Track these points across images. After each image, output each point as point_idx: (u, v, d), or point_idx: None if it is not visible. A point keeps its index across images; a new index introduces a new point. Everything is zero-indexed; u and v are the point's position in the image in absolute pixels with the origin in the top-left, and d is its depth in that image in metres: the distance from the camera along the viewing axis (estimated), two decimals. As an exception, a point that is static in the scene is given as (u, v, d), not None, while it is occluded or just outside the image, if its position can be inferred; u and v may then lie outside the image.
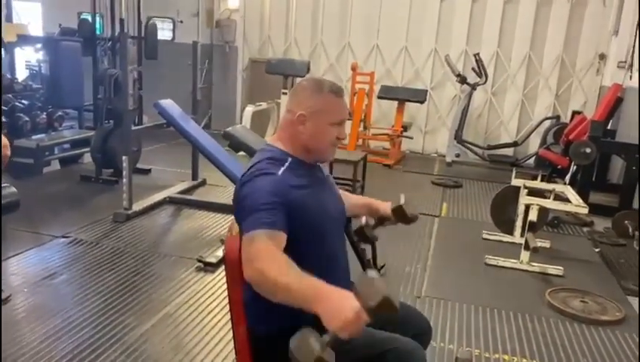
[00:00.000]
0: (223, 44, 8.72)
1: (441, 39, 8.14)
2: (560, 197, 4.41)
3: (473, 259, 4.27)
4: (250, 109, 7.47)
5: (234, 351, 1.83)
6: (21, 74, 7.00)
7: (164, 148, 7.25)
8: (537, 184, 4.58)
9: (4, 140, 2.81)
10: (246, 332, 1.73)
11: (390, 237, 3.61)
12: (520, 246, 4.18)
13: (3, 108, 5.26)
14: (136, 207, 4.77)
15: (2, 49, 4.85)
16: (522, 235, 4.28)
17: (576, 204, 4.16)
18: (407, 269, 4.00)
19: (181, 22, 8.43)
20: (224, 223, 4.65)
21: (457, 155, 7.68)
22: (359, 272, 1.41)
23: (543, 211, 4.32)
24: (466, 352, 2.72)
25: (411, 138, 7.86)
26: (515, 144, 7.77)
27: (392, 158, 7.43)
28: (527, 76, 8.03)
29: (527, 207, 4.20)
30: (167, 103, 5.06)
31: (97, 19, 6.63)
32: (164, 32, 8.32)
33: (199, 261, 3.83)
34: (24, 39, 6.12)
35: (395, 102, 7.67)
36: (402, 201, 2.01)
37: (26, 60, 7.35)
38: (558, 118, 7.64)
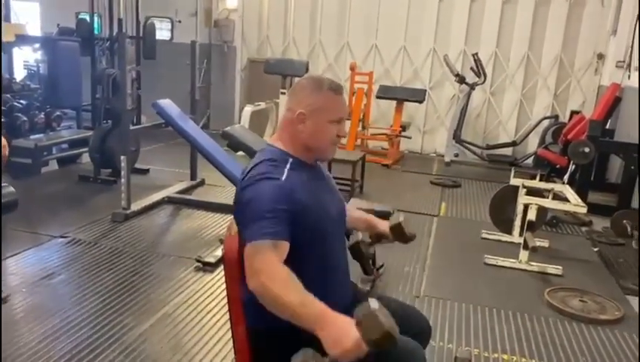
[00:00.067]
0: (221, 43, 8.72)
1: (439, 39, 8.14)
2: (559, 197, 4.42)
3: (472, 259, 4.27)
4: (248, 109, 7.47)
5: (233, 350, 1.83)
6: (19, 74, 6.99)
7: (163, 148, 7.24)
8: (536, 183, 4.59)
9: (3, 140, 2.81)
10: (245, 331, 1.73)
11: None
12: (519, 245, 4.18)
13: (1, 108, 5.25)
14: (135, 206, 4.76)
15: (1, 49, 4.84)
16: (521, 235, 4.28)
17: (574, 204, 4.17)
18: (406, 269, 4.00)
19: (179, 22, 8.41)
20: (223, 223, 4.64)
21: (456, 155, 7.68)
22: (362, 304, 1.44)
23: (541, 211, 4.33)
24: (465, 351, 2.72)
25: (410, 138, 7.86)
26: (513, 144, 7.78)
27: (391, 158, 7.43)
28: (526, 76, 8.03)
29: (526, 207, 4.20)
30: (166, 103, 5.05)
31: (95, 19, 6.62)
32: (162, 32, 8.30)
33: (198, 261, 3.83)
34: (22, 39, 6.10)
35: (394, 102, 7.68)
36: (401, 219, 1.99)
37: (24, 60, 7.34)
38: (556, 117, 7.64)
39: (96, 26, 6.63)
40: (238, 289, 1.72)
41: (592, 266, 4.35)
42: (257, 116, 7.69)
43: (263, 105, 7.75)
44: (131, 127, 5.18)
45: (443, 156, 7.81)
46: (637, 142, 5.34)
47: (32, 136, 5.61)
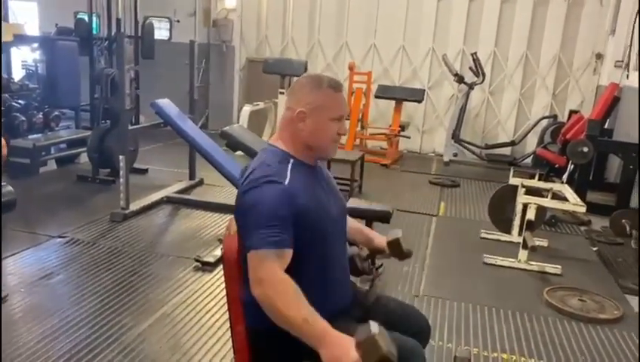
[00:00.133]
0: (220, 43, 8.71)
1: (438, 39, 8.14)
2: (558, 196, 4.42)
3: (471, 258, 4.27)
4: (247, 109, 7.46)
5: (232, 350, 1.82)
6: (17, 74, 6.98)
7: (162, 148, 7.23)
8: (535, 183, 4.59)
9: (2, 140, 2.80)
10: (245, 330, 1.72)
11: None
12: (518, 245, 4.18)
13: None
14: (134, 206, 4.75)
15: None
16: (520, 234, 4.27)
17: (573, 203, 4.17)
18: (406, 269, 3.99)
19: (178, 21, 8.41)
20: (222, 223, 4.63)
21: (455, 155, 7.68)
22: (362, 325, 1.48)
23: (540, 210, 4.33)
24: (464, 351, 2.72)
25: (409, 137, 7.85)
26: (512, 143, 7.77)
27: (390, 158, 7.42)
28: (525, 76, 8.04)
29: (525, 206, 4.20)
30: (165, 103, 5.05)
31: (94, 18, 6.62)
32: (161, 32, 8.31)
33: (197, 261, 3.82)
34: (20, 39, 6.10)
35: (393, 102, 7.67)
36: (400, 235, 1.96)
37: (22, 60, 7.33)
38: (555, 117, 7.64)
39: (94, 25, 6.63)
40: (238, 288, 1.72)
41: (591, 265, 4.35)
42: (256, 116, 7.69)
43: (261, 104, 7.74)
44: (130, 127, 5.18)
45: (442, 156, 7.80)
46: (635, 141, 5.35)
47: (30, 136, 5.61)
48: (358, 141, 7.72)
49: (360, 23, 8.33)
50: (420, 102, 7.83)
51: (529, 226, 4.12)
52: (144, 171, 6.08)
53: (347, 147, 6.99)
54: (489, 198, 4.88)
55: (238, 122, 7.43)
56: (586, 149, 5.38)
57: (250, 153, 4.48)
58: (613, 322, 3.40)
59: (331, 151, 1.80)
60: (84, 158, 6.05)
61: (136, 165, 5.89)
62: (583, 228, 5.21)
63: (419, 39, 8.21)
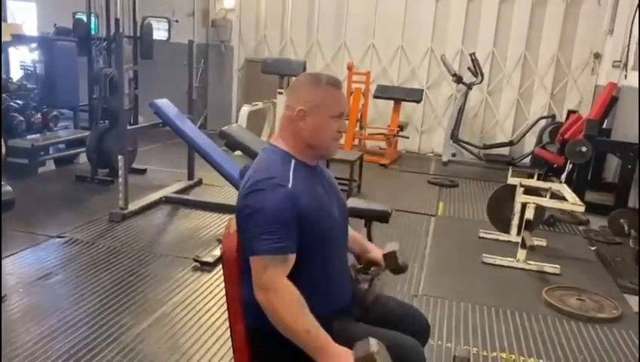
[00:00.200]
0: (218, 43, 8.71)
1: (436, 39, 8.15)
2: (556, 196, 4.43)
3: (470, 258, 4.27)
4: (246, 109, 7.45)
5: (231, 350, 1.82)
6: (16, 74, 6.97)
7: (160, 148, 7.22)
8: (533, 183, 4.59)
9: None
10: (244, 330, 1.72)
11: (387, 236, 3.61)
12: (516, 244, 4.19)
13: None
14: (132, 206, 4.75)
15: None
16: (519, 234, 4.28)
17: (572, 203, 4.17)
18: (404, 268, 3.99)
19: (176, 21, 8.40)
20: (220, 223, 4.63)
21: (453, 155, 7.69)
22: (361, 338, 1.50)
23: (539, 210, 4.34)
24: (463, 350, 2.72)
25: (407, 137, 7.86)
26: (510, 143, 7.79)
27: (388, 158, 7.42)
28: (523, 76, 8.05)
29: (524, 206, 4.21)
30: (163, 103, 5.04)
31: (92, 18, 6.60)
32: (159, 32, 8.31)
33: (196, 260, 3.82)
34: (19, 39, 6.10)
35: (391, 102, 7.67)
36: (397, 248, 1.93)
37: (20, 60, 7.32)
38: (553, 117, 7.66)
39: (93, 25, 6.61)
40: (237, 288, 1.71)
41: (589, 265, 4.36)
42: (255, 116, 7.68)
43: (260, 104, 7.73)
44: (128, 127, 5.18)
45: (440, 156, 7.82)
46: (634, 141, 5.35)
47: (28, 136, 5.60)
48: (356, 141, 7.73)
49: (358, 23, 8.34)
50: (418, 102, 7.83)
51: (528, 226, 4.12)
52: (143, 171, 6.08)
53: (346, 147, 6.99)
54: (488, 198, 4.88)
55: (236, 122, 7.42)
56: (584, 149, 5.39)
57: (249, 153, 4.47)
58: (612, 321, 3.40)
59: (332, 150, 1.79)
60: (82, 158, 6.05)
61: (134, 165, 5.89)
62: (581, 227, 5.22)
63: (417, 39, 8.22)
